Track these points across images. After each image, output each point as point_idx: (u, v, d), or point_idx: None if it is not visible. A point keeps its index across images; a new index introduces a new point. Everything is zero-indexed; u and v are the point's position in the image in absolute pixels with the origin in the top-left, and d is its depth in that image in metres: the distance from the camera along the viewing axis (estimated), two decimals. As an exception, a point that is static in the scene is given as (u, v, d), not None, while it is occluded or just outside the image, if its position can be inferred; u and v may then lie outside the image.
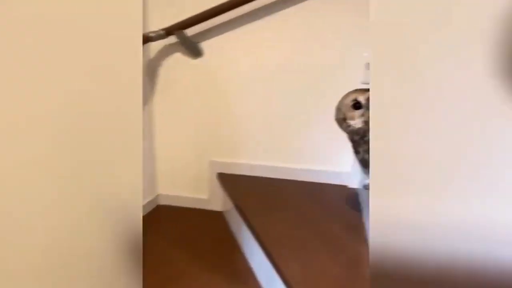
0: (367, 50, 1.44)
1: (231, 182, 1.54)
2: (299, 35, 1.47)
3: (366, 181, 1.05)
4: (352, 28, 1.43)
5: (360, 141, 0.96)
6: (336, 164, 1.53)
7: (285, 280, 0.93)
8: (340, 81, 1.48)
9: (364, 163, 1.00)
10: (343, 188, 1.49)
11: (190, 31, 1.46)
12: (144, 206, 1.61)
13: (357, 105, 0.96)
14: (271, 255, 1.03)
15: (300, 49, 1.48)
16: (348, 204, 1.34)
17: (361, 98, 0.95)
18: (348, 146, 1.50)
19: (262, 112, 1.56)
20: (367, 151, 0.96)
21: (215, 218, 1.49)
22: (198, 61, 1.54)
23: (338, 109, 1.00)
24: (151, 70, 1.60)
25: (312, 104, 1.51)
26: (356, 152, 1.00)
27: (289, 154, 1.58)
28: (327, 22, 1.44)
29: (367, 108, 0.94)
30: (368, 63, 1.48)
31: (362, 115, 0.94)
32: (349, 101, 0.97)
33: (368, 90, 0.95)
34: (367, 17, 1.41)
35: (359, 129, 0.95)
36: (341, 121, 0.99)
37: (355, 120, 0.96)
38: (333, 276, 0.93)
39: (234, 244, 1.35)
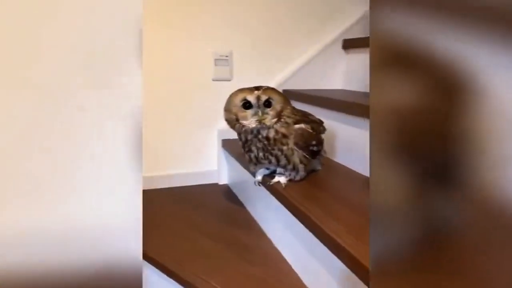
0: (213, 46, 1.44)
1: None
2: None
3: (259, 177, 1.06)
4: (200, 25, 1.40)
5: (254, 139, 0.96)
6: (201, 165, 1.50)
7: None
8: (190, 81, 1.43)
9: (256, 160, 1.01)
10: (214, 186, 1.48)
11: None
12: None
13: (247, 105, 0.95)
14: (184, 280, 0.94)
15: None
16: (227, 201, 1.34)
17: (251, 98, 0.94)
18: (209, 145, 1.49)
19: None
20: (261, 149, 0.97)
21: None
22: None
23: (228, 110, 0.97)
24: None
25: (165, 107, 1.42)
26: (249, 150, 0.99)
27: (149, 163, 1.44)
28: (177, 21, 1.36)
29: (258, 107, 0.94)
30: (216, 59, 1.48)
31: (255, 114, 0.94)
32: (238, 101, 0.95)
33: (256, 88, 0.95)
34: (213, 15, 1.40)
35: (253, 128, 0.95)
36: (234, 121, 0.96)
37: (248, 120, 0.95)
38: (263, 281, 0.92)
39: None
